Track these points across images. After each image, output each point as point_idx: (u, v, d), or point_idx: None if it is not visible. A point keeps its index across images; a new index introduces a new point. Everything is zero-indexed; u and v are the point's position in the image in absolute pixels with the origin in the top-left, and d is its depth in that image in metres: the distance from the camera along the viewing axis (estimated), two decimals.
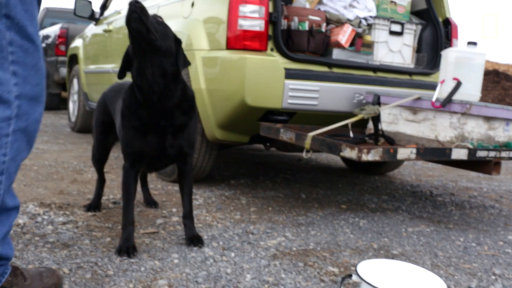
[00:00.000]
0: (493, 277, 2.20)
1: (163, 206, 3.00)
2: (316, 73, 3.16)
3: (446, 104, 2.89)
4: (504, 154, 2.83)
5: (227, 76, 3.06)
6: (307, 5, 3.67)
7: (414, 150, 2.56)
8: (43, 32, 9.67)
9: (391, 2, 3.79)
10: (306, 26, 3.37)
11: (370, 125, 3.28)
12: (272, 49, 3.12)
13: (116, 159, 4.51)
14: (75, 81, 6.59)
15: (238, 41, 3.04)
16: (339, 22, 3.61)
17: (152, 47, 2.06)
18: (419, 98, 3.07)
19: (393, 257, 2.37)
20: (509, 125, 3.02)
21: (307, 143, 2.67)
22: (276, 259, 2.23)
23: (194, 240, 2.33)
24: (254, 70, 2.95)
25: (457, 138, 2.86)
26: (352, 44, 3.63)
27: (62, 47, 8.59)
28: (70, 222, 2.57)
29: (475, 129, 2.85)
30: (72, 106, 6.71)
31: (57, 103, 9.44)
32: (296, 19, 3.41)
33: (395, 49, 3.79)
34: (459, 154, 2.68)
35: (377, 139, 3.02)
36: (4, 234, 1.49)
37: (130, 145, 2.24)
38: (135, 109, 2.18)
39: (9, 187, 1.46)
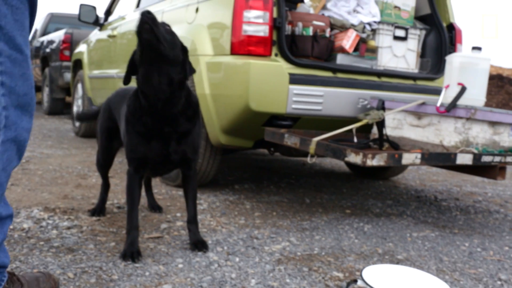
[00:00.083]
0: (499, 282, 2.19)
1: (168, 211, 3.00)
2: (321, 78, 3.16)
3: (451, 109, 2.89)
4: (509, 159, 2.82)
5: (231, 81, 3.06)
6: (311, 11, 3.68)
7: (419, 155, 2.55)
8: (47, 38, 9.71)
9: (395, 7, 3.79)
10: (310, 32, 3.37)
11: (375, 130, 3.28)
12: (276, 54, 3.12)
13: (120, 163, 4.52)
14: (79, 86, 6.61)
15: (243, 46, 3.04)
16: (343, 27, 3.61)
17: (161, 56, 2.06)
18: (423, 103, 3.07)
19: (398, 262, 2.36)
20: None
21: (312, 148, 2.67)
22: (280, 264, 2.23)
23: (198, 245, 2.33)
24: (258, 75, 2.96)
25: (462, 143, 2.86)
26: (356, 49, 3.63)
27: (67, 52, 8.61)
28: (74, 227, 2.57)
29: (480, 134, 2.85)
30: (76, 111, 6.73)
31: (61, 108, 9.46)
32: (300, 24, 3.42)
33: (399, 54, 3.79)
34: (464, 159, 2.67)
35: (381, 144, 3.02)
36: None
37: (134, 150, 2.24)
38: (139, 115, 2.19)
39: (1, 197, 1.47)
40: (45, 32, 10.55)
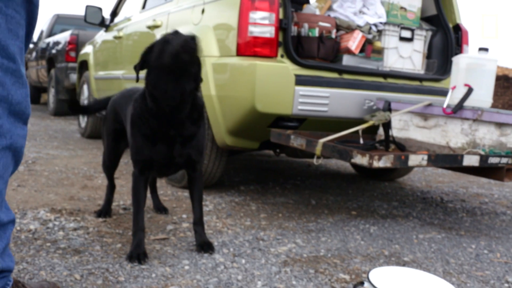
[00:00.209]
0: (506, 284, 2.18)
1: (173, 212, 3.01)
2: (326, 80, 3.16)
3: (457, 110, 2.88)
4: None
5: (237, 82, 3.06)
6: (317, 12, 3.68)
7: (426, 157, 2.55)
8: (53, 39, 9.73)
9: (401, 8, 3.78)
10: (316, 33, 3.37)
11: (381, 131, 3.28)
12: (282, 56, 3.12)
13: (125, 164, 4.52)
14: (85, 87, 6.63)
15: (249, 47, 3.04)
16: (349, 29, 3.61)
17: (186, 74, 2.10)
18: (430, 104, 3.06)
19: (405, 264, 2.36)
20: None
21: (318, 149, 2.66)
22: (286, 265, 2.22)
23: (204, 246, 2.33)
24: (264, 77, 2.96)
25: (468, 145, 2.85)
26: (362, 50, 3.63)
27: (72, 54, 8.64)
28: (81, 228, 2.58)
29: (486, 135, 2.84)
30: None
31: (67, 109, 9.49)
32: (306, 25, 3.41)
33: (405, 55, 3.78)
34: (470, 160, 2.66)
35: (388, 146, 3.01)
36: (3, 248, 1.52)
37: (139, 152, 2.25)
38: (146, 118, 2.19)
39: (1, 203, 1.48)
40: (51, 33, 10.58)
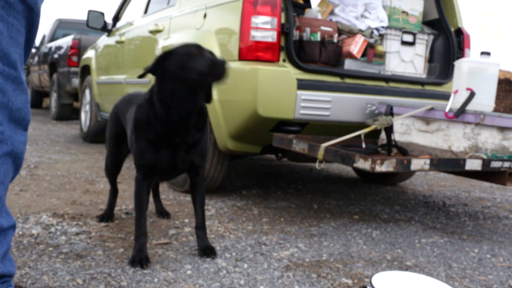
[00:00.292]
0: None
1: (176, 217, 3.01)
2: (328, 84, 3.16)
3: (459, 114, 2.88)
4: None
5: (239, 87, 3.06)
6: (319, 16, 3.68)
7: (428, 161, 2.54)
8: (55, 43, 9.76)
9: (403, 12, 3.79)
10: (318, 37, 3.37)
11: (383, 135, 3.27)
12: (284, 60, 3.12)
13: (128, 169, 4.53)
14: (87, 91, 6.64)
15: (251, 52, 3.05)
16: (351, 33, 3.61)
17: (205, 91, 2.17)
18: (432, 109, 3.06)
19: (407, 268, 2.35)
20: None
21: (320, 154, 2.66)
22: (289, 270, 2.22)
23: (207, 251, 2.33)
24: (266, 81, 2.96)
25: (471, 149, 2.85)
26: (364, 55, 3.63)
27: (75, 58, 8.65)
28: (83, 233, 2.58)
29: (489, 139, 2.83)
30: (84, 117, 6.75)
31: (69, 113, 9.50)
32: (308, 30, 3.42)
33: (407, 59, 3.78)
34: (473, 164, 2.66)
35: (390, 150, 3.01)
36: (4, 253, 1.53)
37: (143, 157, 2.25)
38: (152, 124, 2.18)
39: (1, 210, 1.49)
40: (53, 38, 10.60)
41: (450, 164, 2.63)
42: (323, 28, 3.45)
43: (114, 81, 5.39)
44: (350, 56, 3.51)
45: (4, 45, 1.41)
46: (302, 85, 3.05)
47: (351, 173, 5.21)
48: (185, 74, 2.06)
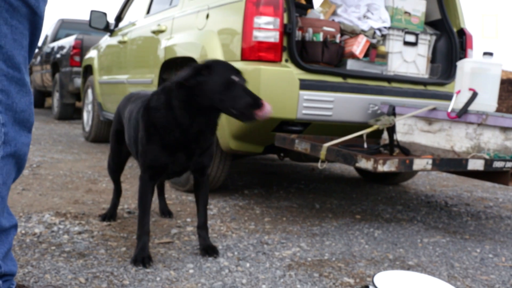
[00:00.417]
0: None
1: (178, 216, 3.01)
2: (331, 84, 3.16)
3: (462, 114, 2.88)
4: None
5: None
6: (322, 16, 3.69)
7: (430, 161, 2.55)
8: (58, 43, 9.77)
9: (405, 12, 3.79)
10: (320, 37, 3.38)
11: (385, 135, 3.28)
12: (286, 60, 3.13)
13: (130, 168, 4.53)
14: (89, 91, 6.65)
15: (253, 52, 3.05)
16: (354, 33, 3.61)
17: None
18: (434, 109, 3.06)
19: (409, 268, 2.35)
20: None
21: (323, 153, 2.66)
22: (291, 269, 2.22)
23: (209, 250, 2.34)
24: (268, 81, 2.96)
25: (473, 149, 2.85)
26: (366, 55, 3.63)
27: (77, 58, 8.67)
28: (85, 232, 2.58)
29: (491, 139, 2.83)
30: (87, 116, 6.77)
31: (71, 113, 9.52)
32: (310, 30, 3.42)
33: (410, 60, 3.78)
34: (475, 165, 2.66)
35: (392, 150, 3.01)
36: (5, 252, 1.54)
37: (155, 160, 2.23)
38: (171, 129, 2.16)
39: (3, 210, 1.50)
40: (55, 38, 10.62)
41: (452, 164, 2.64)
42: (325, 28, 3.45)
43: (116, 81, 5.40)
44: (353, 56, 3.51)
45: (8, 47, 1.42)
46: (305, 85, 3.05)
47: (353, 173, 5.22)
48: (223, 99, 2.06)
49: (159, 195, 3.03)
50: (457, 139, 2.93)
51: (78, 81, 8.58)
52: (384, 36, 3.75)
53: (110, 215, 2.83)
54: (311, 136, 3.16)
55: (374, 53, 3.66)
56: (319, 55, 3.36)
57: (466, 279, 2.25)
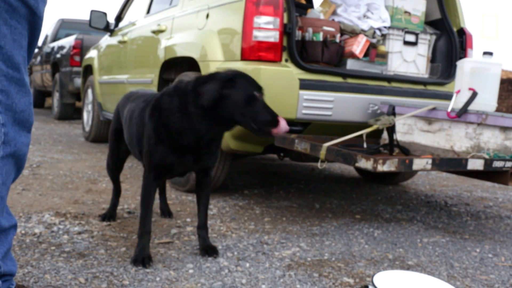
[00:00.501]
0: None
1: (178, 216, 3.01)
2: (331, 84, 3.16)
3: (462, 114, 2.88)
4: None
5: None
6: (322, 16, 3.69)
7: (430, 161, 2.55)
8: (58, 43, 9.77)
9: (405, 12, 3.79)
10: (320, 37, 3.38)
11: (385, 135, 3.28)
12: (286, 60, 3.13)
13: (130, 168, 4.53)
14: (89, 91, 6.65)
15: (253, 52, 3.05)
16: (353, 33, 3.61)
17: None
18: (434, 108, 3.06)
19: (409, 268, 2.36)
20: None
21: (322, 153, 2.67)
22: (291, 269, 2.22)
23: (208, 250, 2.34)
24: (268, 81, 2.96)
25: (473, 149, 2.85)
26: (366, 55, 3.63)
27: (77, 58, 8.67)
28: (85, 232, 2.58)
29: (491, 139, 2.83)
30: (87, 116, 6.77)
31: (71, 113, 9.52)
32: (310, 30, 3.42)
33: (410, 59, 3.78)
34: (475, 164, 2.66)
35: (392, 150, 3.01)
36: (5, 252, 1.54)
37: (162, 160, 2.22)
38: (186, 134, 2.16)
39: (2, 210, 1.50)
40: (55, 38, 10.62)
41: (452, 164, 2.64)
42: (325, 28, 3.45)
43: (116, 81, 5.40)
44: (353, 56, 3.51)
45: (8, 48, 1.42)
46: (305, 85, 3.05)
47: (353, 172, 5.22)
48: (244, 114, 2.09)
49: (160, 195, 3.02)
50: (457, 139, 2.93)
51: (78, 81, 8.58)
52: (384, 36, 3.76)
53: (109, 215, 2.83)
54: (311, 136, 3.16)
55: (374, 52, 3.66)
56: (319, 55, 3.36)
57: (465, 279, 2.25)
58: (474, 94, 3.00)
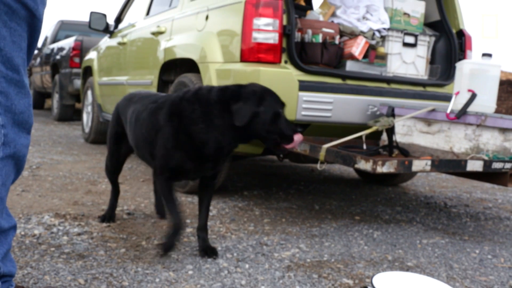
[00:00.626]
0: None
1: None
2: (330, 85, 3.17)
3: (461, 115, 2.88)
4: None
5: None
6: (321, 18, 3.69)
7: (429, 162, 2.55)
8: (57, 45, 9.77)
9: (405, 14, 3.80)
10: (319, 39, 3.38)
11: (384, 137, 3.28)
12: (286, 62, 3.13)
13: (129, 170, 4.54)
14: (89, 92, 6.65)
15: (252, 53, 3.06)
16: (353, 34, 3.62)
17: None
18: (433, 110, 3.06)
19: (408, 269, 2.36)
20: None
21: (322, 155, 2.67)
22: (290, 270, 2.23)
23: (208, 251, 2.34)
24: (268, 83, 2.96)
25: (472, 150, 2.85)
26: (365, 56, 3.64)
27: (77, 59, 8.68)
28: (85, 233, 2.58)
29: (490, 140, 2.84)
30: (86, 117, 6.77)
31: (71, 114, 9.52)
32: (309, 31, 3.43)
33: (409, 61, 3.79)
34: (474, 166, 2.66)
35: (391, 151, 3.02)
36: (4, 253, 1.55)
37: (179, 165, 2.23)
38: (208, 145, 2.18)
39: (2, 211, 1.51)
40: (55, 39, 10.62)
41: (451, 165, 2.64)
42: (324, 29, 3.46)
43: (116, 82, 5.41)
44: (352, 57, 3.51)
45: (8, 49, 1.43)
46: (304, 86, 3.06)
47: (352, 174, 5.22)
48: (270, 131, 2.14)
49: (156, 193, 2.99)
50: (456, 140, 2.93)
51: (77, 82, 8.58)
52: (383, 37, 3.76)
53: (109, 217, 2.82)
54: (310, 137, 3.16)
55: (373, 54, 3.67)
56: (318, 57, 3.37)
57: (465, 280, 2.26)
58: (473, 96, 3.00)
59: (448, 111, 2.98)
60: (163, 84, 4.21)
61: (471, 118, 2.86)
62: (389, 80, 3.48)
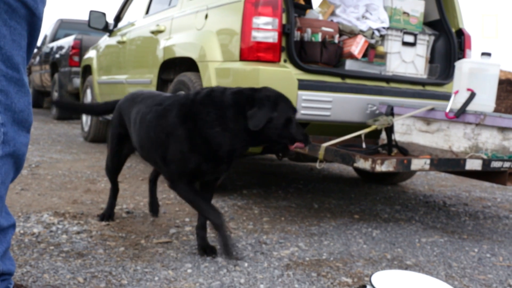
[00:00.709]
0: None
1: (176, 216, 3.01)
2: (329, 84, 3.17)
3: (460, 114, 2.89)
4: None
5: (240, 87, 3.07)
6: (320, 17, 3.69)
7: (428, 161, 2.55)
8: (57, 43, 9.77)
9: (404, 13, 3.80)
10: (319, 38, 3.38)
11: (383, 135, 3.28)
12: (285, 61, 3.13)
13: (129, 168, 4.54)
14: (88, 91, 6.65)
15: (252, 52, 3.06)
16: (352, 33, 3.62)
17: None
18: (432, 109, 3.07)
19: (407, 267, 2.36)
20: None
21: (321, 153, 2.67)
22: (289, 269, 2.23)
23: (207, 250, 2.34)
24: (267, 81, 2.97)
25: (471, 149, 2.85)
26: (365, 55, 3.64)
27: (76, 58, 8.67)
28: (84, 232, 2.59)
29: (489, 139, 2.84)
30: (85, 116, 6.77)
31: (70, 113, 9.51)
32: (309, 30, 3.43)
33: (408, 60, 3.79)
34: (473, 164, 2.67)
35: (390, 150, 3.02)
36: (4, 251, 1.55)
37: (197, 168, 2.23)
38: (223, 148, 2.20)
39: (1, 209, 1.51)
40: (54, 38, 10.62)
41: (450, 164, 2.64)
42: (324, 29, 3.46)
43: (115, 81, 5.41)
44: (351, 56, 3.52)
45: (7, 48, 1.43)
46: (303, 85, 3.06)
47: (351, 172, 5.22)
48: (282, 136, 2.19)
49: (150, 190, 2.98)
50: (455, 139, 2.94)
51: (77, 81, 8.58)
52: (382, 37, 3.76)
53: (108, 215, 2.82)
54: (309, 136, 3.16)
55: (372, 53, 3.67)
56: (318, 56, 3.37)
57: (463, 278, 2.26)
58: (472, 95, 3.01)
59: (447, 110, 2.98)
60: (162, 83, 4.21)
61: (470, 117, 2.86)
62: (388, 79, 3.49)
